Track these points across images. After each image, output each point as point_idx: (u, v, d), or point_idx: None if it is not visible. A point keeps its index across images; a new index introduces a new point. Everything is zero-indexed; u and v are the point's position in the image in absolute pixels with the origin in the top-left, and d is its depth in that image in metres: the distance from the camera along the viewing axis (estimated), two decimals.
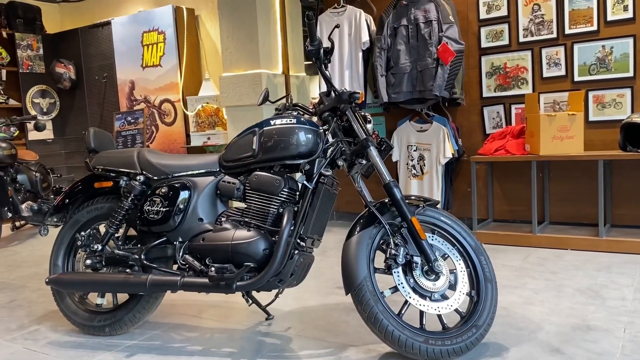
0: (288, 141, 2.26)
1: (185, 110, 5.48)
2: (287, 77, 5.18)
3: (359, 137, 2.27)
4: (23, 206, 2.66)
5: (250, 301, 2.54)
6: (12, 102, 6.38)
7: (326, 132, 2.32)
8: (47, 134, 6.63)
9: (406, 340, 2.02)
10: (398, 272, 2.12)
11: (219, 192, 2.42)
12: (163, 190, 2.41)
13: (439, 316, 2.16)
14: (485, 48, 4.16)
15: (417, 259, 2.14)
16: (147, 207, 2.40)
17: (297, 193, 2.31)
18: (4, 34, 6.23)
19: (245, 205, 2.35)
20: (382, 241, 2.19)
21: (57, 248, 2.66)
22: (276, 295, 2.55)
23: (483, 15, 4.13)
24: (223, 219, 2.38)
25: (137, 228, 2.47)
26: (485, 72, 4.17)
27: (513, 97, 4.08)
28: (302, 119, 2.32)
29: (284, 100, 2.63)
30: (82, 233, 2.55)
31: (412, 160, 4.27)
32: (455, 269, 2.20)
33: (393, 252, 2.11)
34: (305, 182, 2.25)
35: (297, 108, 2.51)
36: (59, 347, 2.45)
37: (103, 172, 2.58)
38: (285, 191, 2.27)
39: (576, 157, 3.60)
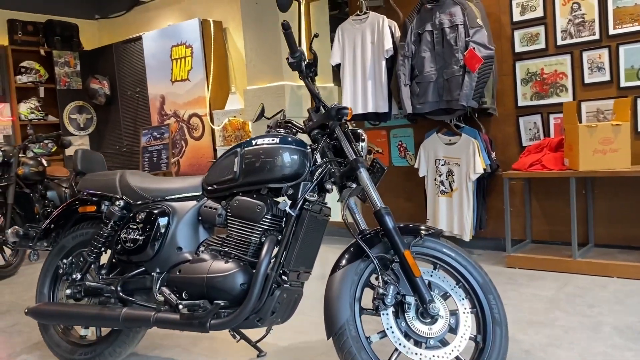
0: (271, 162, 2.04)
1: (211, 125, 5.37)
2: None
3: (349, 158, 2.01)
4: (9, 231, 2.55)
5: (238, 337, 2.33)
6: (51, 119, 6.49)
7: (314, 152, 2.08)
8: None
9: None
10: (387, 314, 1.85)
11: (200, 218, 2.23)
12: (140, 216, 2.24)
13: None
14: (519, 53, 3.79)
15: (410, 299, 1.86)
16: (124, 235, 2.24)
17: (283, 220, 2.08)
18: (42, 52, 6.37)
19: (226, 234, 2.14)
20: (370, 277, 1.93)
21: (43, 276, 2.54)
22: (267, 332, 2.32)
23: (517, 17, 3.77)
24: (202, 249, 2.18)
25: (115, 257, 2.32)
26: (521, 79, 3.80)
27: (551, 105, 3.69)
28: (288, 138, 2.09)
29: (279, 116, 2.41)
30: (65, 260, 2.42)
31: (440, 176, 3.95)
32: (457, 310, 1.91)
33: (381, 291, 1.84)
34: (287, 208, 2.01)
35: (290, 125, 2.27)
36: None
37: (87, 196, 2.44)
38: (267, 218, 2.04)
39: (622, 172, 3.19)
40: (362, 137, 2.14)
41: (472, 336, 1.91)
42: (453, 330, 1.88)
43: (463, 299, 1.92)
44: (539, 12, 3.67)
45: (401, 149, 4.46)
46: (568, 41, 3.58)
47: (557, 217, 3.73)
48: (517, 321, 2.61)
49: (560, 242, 3.72)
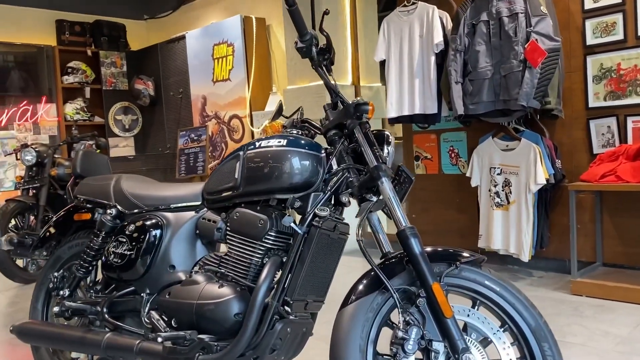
0: (277, 169, 1.69)
1: (251, 127, 5.10)
2: (357, 88, 4.61)
3: (369, 165, 1.63)
4: (2, 239, 2.35)
5: None
6: (97, 120, 6.45)
7: (330, 157, 1.72)
8: (129, 151, 6.62)
9: None
10: None
11: (198, 232, 1.91)
12: (130, 228, 1.94)
13: None
14: (591, 46, 3.27)
15: (438, 347, 1.46)
16: (112, 249, 1.96)
17: (291, 238, 1.73)
18: (89, 52, 6.32)
19: (226, 251, 1.81)
20: (391, 314, 1.55)
21: (38, 289, 2.30)
22: None
23: (589, 4, 3.26)
24: (197, 268, 1.86)
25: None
26: (593, 76, 3.28)
27: (629, 107, 3.15)
28: (299, 140, 1.73)
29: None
30: (56, 274, 2.17)
31: (495, 187, 3.48)
32: None
33: (401, 334, 1.45)
34: (293, 224, 1.65)
35: (306, 125, 1.91)
36: None
37: (83, 203, 2.18)
38: (271, 235, 1.70)
39: None
40: (389, 140, 1.76)
41: None
42: None
43: (509, 347, 1.50)
44: None
45: (452, 155, 4.00)
46: None
47: (635, 237, 3.18)
48: None
49: (638, 268, 3.17)
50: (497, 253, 3.54)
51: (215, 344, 1.67)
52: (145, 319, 1.85)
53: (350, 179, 1.69)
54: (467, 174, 3.64)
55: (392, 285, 1.52)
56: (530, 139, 3.30)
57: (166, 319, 1.80)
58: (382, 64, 3.97)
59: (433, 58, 3.62)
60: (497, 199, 3.46)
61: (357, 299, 1.53)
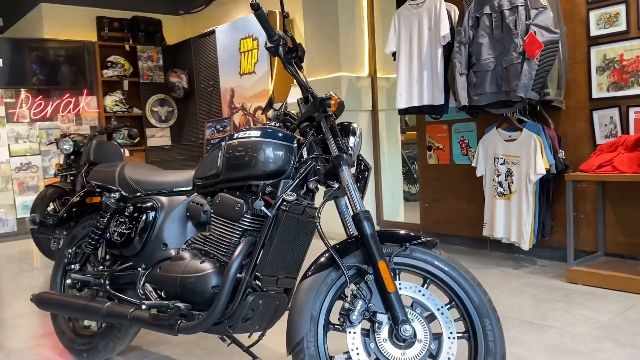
0: (252, 157, 1.88)
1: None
2: (374, 79, 4.74)
3: (332, 154, 1.80)
4: (28, 218, 2.63)
5: (228, 341, 2.20)
6: (135, 111, 6.80)
7: (301, 147, 1.89)
8: (166, 141, 6.96)
9: None
10: (354, 332, 1.62)
11: (188, 213, 2.12)
12: (129, 210, 2.18)
13: None
14: (595, 37, 3.29)
15: (382, 318, 1.61)
16: (113, 228, 2.20)
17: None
18: (127, 47, 6.67)
19: (209, 232, 2.02)
20: (346, 290, 1.70)
21: (57, 264, 2.58)
22: (260, 337, 2.16)
23: None
24: (184, 246, 2.07)
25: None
26: (596, 67, 3.30)
27: (632, 97, 3.16)
28: (274, 132, 1.91)
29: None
30: (70, 250, 2.44)
31: (498, 176, 3.55)
32: (442, 334, 1.63)
33: (347, 305, 1.62)
34: (263, 208, 1.84)
35: (287, 117, 2.09)
36: None
37: (94, 188, 2.44)
38: (247, 218, 1.88)
39: None
40: (355, 132, 1.91)
41: None
42: (434, 357, 1.61)
43: (451, 322, 1.64)
44: None
45: (463, 145, 4.08)
46: None
47: (636, 228, 3.20)
48: (553, 349, 2.23)
49: (639, 257, 3.20)
50: (502, 241, 3.62)
51: (196, 313, 1.88)
52: (140, 291, 2.08)
53: (318, 167, 1.85)
54: (473, 164, 3.72)
55: (345, 263, 1.68)
56: (532, 130, 3.36)
57: (157, 291, 2.03)
58: (394, 55, 4.07)
59: (440, 50, 3.71)
60: (500, 189, 3.53)
61: (312, 274, 1.70)
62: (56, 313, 2.44)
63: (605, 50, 3.25)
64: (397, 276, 1.71)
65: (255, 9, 1.80)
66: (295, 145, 1.89)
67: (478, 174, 3.68)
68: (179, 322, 1.86)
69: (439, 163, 4.26)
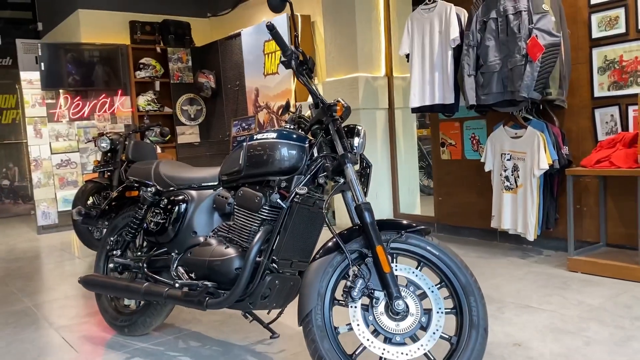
0: (270, 156, 2.16)
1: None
2: (390, 79, 4.97)
3: (337, 153, 2.06)
4: (74, 210, 2.96)
5: (250, 318, 2.49)
6: (166, 110, 7.16)
7: (312, 147, 2.16)
8: (195, 138, 7.31)
9: None
10: (355, 307, 1.88)
11: (215, 205, 2.42)
12: (164, 202, 2.49)
13: None
14: (597, 39, 3.47)
15: (379, 295, 1.88)
16: (150, 218, 2.51)
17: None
18: (158, 49, 7.03)
19: (233, 221, 2.31)
20: (349, 271, 1.97)
21: (100, 251, 2.90)
22: (278, 314, 2.46)
23: None
24: (211, 234, 2.37)
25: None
26: (598, 68, 3.48)
27: (631, 96, 3.34)
28: (289, 133, 2.19)
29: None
30: (112, 238, 2.76)
31: (505, 171, 3.76)
32: (432, 309, 1.89)
33: (349, 284, 1.88)
34: (279, 200, 2.12)
35: (301, 120, 2.36)
36: (86, 341, 2.69)
37: (132, 183, 2.75)
38: (265, 209, 2.16)
39: None
40: (359, 132, 2.17)
41: (448, 337, 1.88)
42: (424, 328, 1.87)
43: (440, 299, 1.89)
44: None
45: (474, 141, 4.30)
46: None
47: (635, 219, 3.37)
48: (542, 328, 2.46)
49: (637, 248, 3.37)
50: (509, 232, 3.83)
51: (221, 291, 2.17)
52: (174, 273, 2.38)
53: (327, 164, 2.12)
54: (482, 160, 3.94)
55: (349, 248, 1.94)
56: (535, 127, 3.56)
57: (188, 273, 2.33)
58: (407, 57, 4.30)
59: (450, 52, 3.93)
60: (507, 183, 3.75)
61: (320, 257, 1.97)
62: (100, 293, 2.77)
63: (606, 51, 3.43)
64: (395, 259, 1.97)
65: (270, 28, 2.08)
66: (307, 145, 2.16)
67: (486, 169, 3.89)
68: (207, 298, 2.15)
69: (452, 159, 4.48)
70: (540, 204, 3.62)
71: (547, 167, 3.48)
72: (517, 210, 3.69)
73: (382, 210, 4.98)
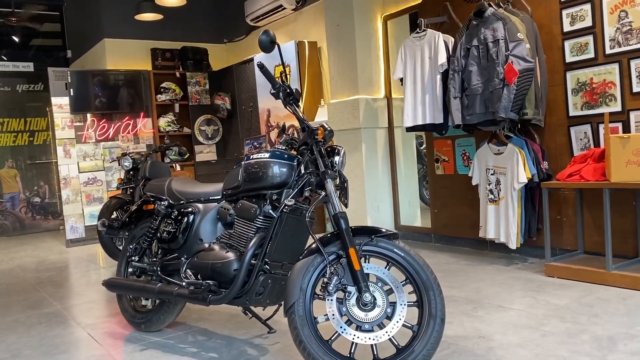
0: (263, 173, 2.53)
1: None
2: (389, 100, 5.33)
3: (319, 170, 2.43)
4: (99, 223, 3.37)
5: (250, 315, 2.85)
6: (185, 130, 7.63)
7: (299, 165, 2.53)
8: (212, 156, 7.75)
9: None
10: (331, 300, 2.23)
11: (218, 216, 2.80)
12: (175, 214, 2.88)
13: (373, 346, 2.21)
14: (570, 63, 3.79)
15: (351, 289, 2.22)
16: (162, 228, 2.90)
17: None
18: (177, 74, 7.52)
19: (233, 230, 2.68)
20: (325, 270, 2.32)
21: (121, 257, 3.30)
22: (274, 312, 2.81)
23: (567, 27, 3.78)
24: (215, 241, 2.74)
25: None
26: (571, 89, 3.80)
27: (601, 115, 3.64)
28: (281, 154, 2.56)
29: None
30: (131, 246, 3.16)
31: (489, 185, 4.08)
32: (397, 302, 2.22)
33: (326, 280, 2.24)
34: (270, 211, 2.49)
35: (293, 141, 2.74)
36: (108, 337, 3.08)
37: (148, 198, 3.15)
38: (260, 218, 2.54)
39: None
40: (339, 152, 2.53)
41: (410, 325, 2.21)
42: (389, 317, 2.21)
43: (404, 294, 2.23)
44: (587, 22, 3.65)
45: (465, 157, 4.62)
46: (616, 50, 3.53)
47: (612, 229, 3.65)
48: (507, 324, 2.77)
49: (616, 255, 3.64)
50: (495, 242, 4.13)
51: (222, 290, 2.54)
52: (183, 274, 2.76)
53: (311, 179, 2.49)
54: (469, 174, 4.26)
55: (327, 250, 2.30)
56: (516, 144, 3.88)
57: (195, 274, 2.70)
58: (401, 81, 4.67)
59: (439, 76, 4.29)
60: (491, 195, 4.06)
61: (303, 258, 2.32)
62: (121, 293, 3.16)
63: (578, 74, 3.75)
64: (367, 260, 2.32)
65: (260, 67, 2.48)
66: (295, 163, 2.53)
67: (473, 182, 4.22)
68: (210, 295, 2.53)
69: (445, 173, 4.81)
70: (523, 215, 3.92)
71: (526, 181, 3.79)
72: (499, 221, 4.00)
73: (383, 221, 5.31)
